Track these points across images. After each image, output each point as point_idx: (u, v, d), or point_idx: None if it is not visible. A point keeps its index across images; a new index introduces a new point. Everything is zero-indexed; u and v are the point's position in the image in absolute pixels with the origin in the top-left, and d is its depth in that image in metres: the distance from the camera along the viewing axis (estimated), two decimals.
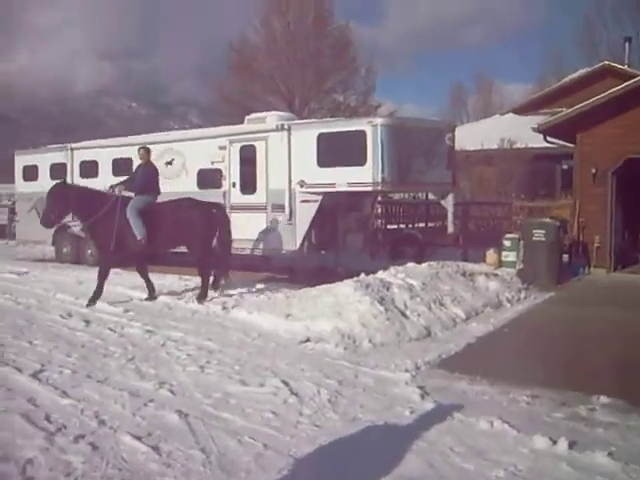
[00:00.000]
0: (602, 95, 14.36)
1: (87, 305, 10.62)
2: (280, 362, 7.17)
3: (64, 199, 11.13)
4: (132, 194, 11.33)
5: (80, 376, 6.61)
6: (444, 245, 16.18)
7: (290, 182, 13.14)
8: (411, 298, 9.23)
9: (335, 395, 5.95)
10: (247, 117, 15.50)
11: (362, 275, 10.06)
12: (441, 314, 9.17)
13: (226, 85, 29.54)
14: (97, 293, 10.80)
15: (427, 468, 4.40)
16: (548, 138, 16.13)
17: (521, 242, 13.12)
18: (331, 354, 7.57)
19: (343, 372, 6.76)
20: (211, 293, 11.34)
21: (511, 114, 31.25)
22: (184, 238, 11.41)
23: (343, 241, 13.63)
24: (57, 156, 18.10)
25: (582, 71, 31.00)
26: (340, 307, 8.78)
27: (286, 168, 13.16)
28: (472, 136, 24.54)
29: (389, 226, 19.64)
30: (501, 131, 25.52)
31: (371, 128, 11.95)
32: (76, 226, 14.55)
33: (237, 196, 14.25)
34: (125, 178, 12.29)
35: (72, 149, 17.75)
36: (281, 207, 13.31)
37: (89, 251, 16.40)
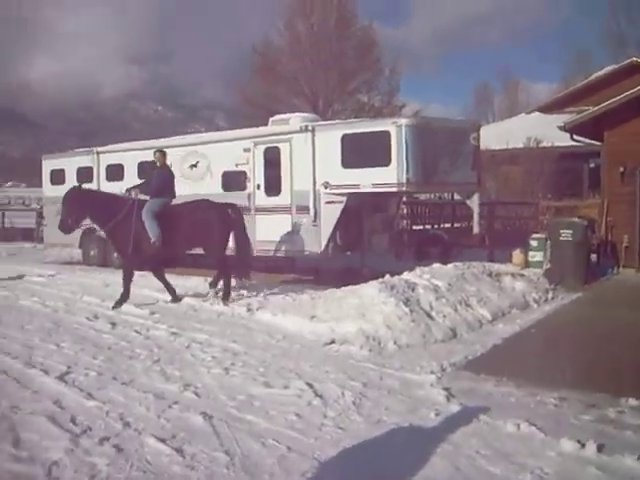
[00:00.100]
0: (630, 92, 14.17)
1: (113, 307, 10.70)
2: (304, 364, 7.15)
3: (80, 203, 11.20)
4: (148, 197, 11.40)
5: (106, 378, 6.65)
6: (470, 245, 16.07)
7: (314, 183, 13.12)
8: (437, 299, 9.17)
9: (360, 397, 5.91)
10: (271, 119, 15.52)
11: (387, 276, 10.02)
12: (467, 315, 9.09)
13: (250, 88, 29.61)
14: (123, 296, 10.88)
15: (453, 471, 4.35)
16: (575, 136, 15.95)
17: (548, 242, 12.98)
18: (356, 356, 7.53)
19: (368, 374, 6.72)
20: (236, 294, 11.38)
21: (537, 113, 30.98)
22: (200, 240, 11.46)
23: (368, 242, 13.59)
24: (83, 160, 18.27)
25: (609, 68, 30.65)
26: (365, 308, 8.74)
27: (310, 169, 13.15)
28: (498, 135, 24.37)
29: (415, 227, 19.58)
30: (527, 130, 25.32)
31: (395, 128, 11.90)
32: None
33: (262, 198, 14.27)
34: (141, 181, 12.39)
35: (98, 153, 17.90)
36: (306, 208, 13.30)
37: (115, 254, 16.52)
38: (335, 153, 12.73)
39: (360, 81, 28.72)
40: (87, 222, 12.02)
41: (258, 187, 14.30)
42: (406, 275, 10.13)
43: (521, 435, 4.98)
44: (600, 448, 4.65)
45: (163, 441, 4.87)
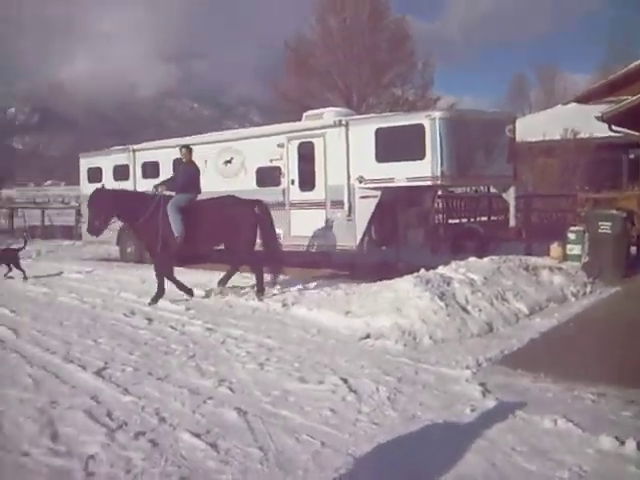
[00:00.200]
0: None
1: (149, 303, 10.80)
2: (339, 359, 7.14)
3: (106, 204, 11.28)
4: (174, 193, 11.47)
5: (142, 373, 6.71)
6: (506, 239, 15.89)
7: (349, 178, 13.10)
8: (472, 293, 9.08)
9: (394, 392, 5.88)
10: (305, 114, 15.52)
11: (422, 270, 9.96)
12: (503, 309, 8.99)
13: (284, 83, 29.67)
14: (159, 292, 10.98)
15: (488, 467, 4.30)
16: (613, 127, 15.66)
17: (586, 235, 12.75)
18: (391, 351, 7.49)
19: (403, 369, 6.68)
20: (272, 290, 11.41)
21: (574, 104, 30.48)
22: (226, 236, 11.47)
23: (403, 236, 13.53)
24: (120, 158, 18.48)
25: None
26: (400, 303, 8.69)
27: (344, 164, 13.13)
28: (534, 127, 24.04)
29: (450, 220, 19.43)
30: (564, 121, 24.93)
31: (429, 121, 11.80)
32: None
33: (296, 193, 14.29)
34: (167, 178, 12.47)
35: (134, 150, 18.09)
36: (340, 203, 13.28)
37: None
38: (369, 147, 12.68)
39: (394, 74, 28.58)
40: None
41: (292, 182, 14.32)
42: (441, 269, 10.05)
43: (558, 431, 4.91)
44: None
45: (198, 436, 4.90)
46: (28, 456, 4.62)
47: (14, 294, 12.36)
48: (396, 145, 12.29)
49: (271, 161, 14.70)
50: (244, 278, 12.18)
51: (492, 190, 18.16)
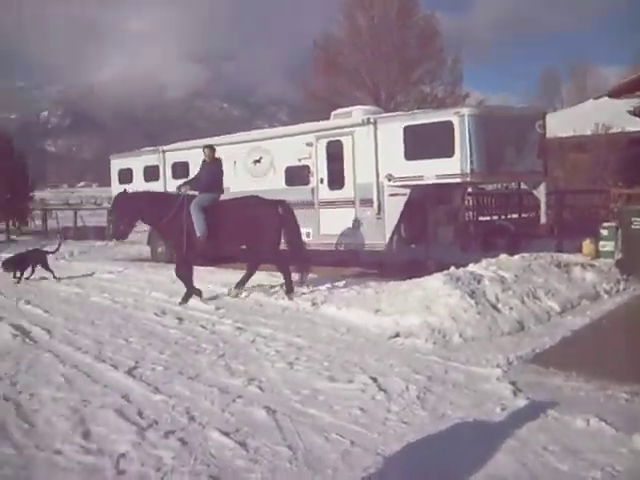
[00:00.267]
0: None
1: (180, 303, 10.87)
2: (369, 358, 7.12)
3: (129, 208, 11.34)
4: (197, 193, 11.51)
5: (172, 372, 6.76)
6: (538, 236, 15.71)
7: (378, 176, 13.07)
8: (503, 291, 8.99)
9: (424, 391, 5.85)
10: (333, 113, 15.51)
11: (452, 268, 9.90)
12: (534, 307, 8.89)
13: (312, 82, 29.67)
14: (188, 291, 11.05)
15: (519, 467, 4.26)
16: None
17: (619, 231, 12.56)
18: (421, 349, 7.45)
19: (433, 368, 6.64)
20: (301, 289, 11.42)
21: (605, 98, 30.01)
22: (249, 236, 11.45)
23: (433, 234, 13.44)
24: (150, 158, 18.63)
25: None
26: (430, 301, 8.65)
27: (373, 162, 13.10)
28: (565, 122, 23.75)
29: (481, 218, 19.28)
30: (595, 116, 24.57)
31: (458, 118, 11.71)
32: None
33: (325, 192, 14.29)
34: (190, 178, 12.52)
35: (164, 151, 18.23)
36: (369, 201, 13.26)
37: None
38: (398, 145, 12.63)
39: (423, 71, 28.40)
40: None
41: (321, 181, 14.32)
42: (471, 267, 9.98)
43: (591, 431, 4.84)
44: None
45: (227, 435, 4.92)
46: (60, 454, 4.68)
47: (48, 294, 12.53)
48: (425, 142, 12.22)
49: (300, 160, 14.71)
50: (273, 277, 12.20)
51: (523, 187, 18.00)
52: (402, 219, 12.88)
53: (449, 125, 11.79)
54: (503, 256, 10.93)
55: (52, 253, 15.07)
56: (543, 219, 13.52)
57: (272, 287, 11.79)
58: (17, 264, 14.26)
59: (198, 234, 10.99)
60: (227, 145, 16.69)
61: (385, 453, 4.54)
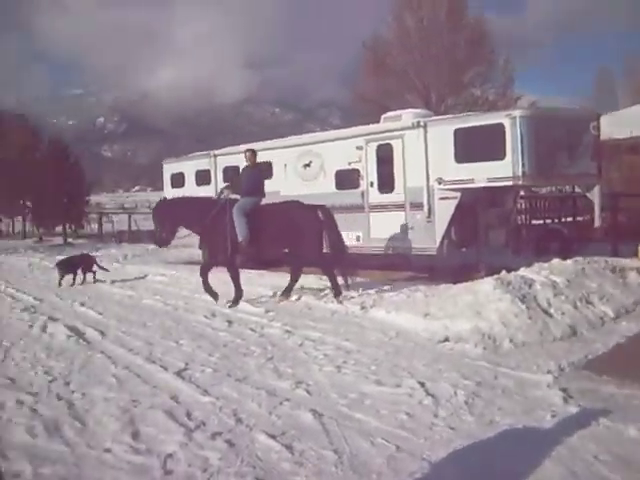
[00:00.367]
0: None
1: (230, 306, 10.96)
2: (417, 362, 7.06)
3: (170, 214, 11.48)
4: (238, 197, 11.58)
5: (221, 375, 6.82)
6: (592, 240, 15.40)
7: (428, 179, 12.98)
8: (555, 296, 8.82)
9: (472, 397, 5.77)
10: (383, 116, 15.48)
11: (503, 272, 9.76)
12: (587, 312, 8.70)
13: (361, 84, 29.60)
14: (237, 294, 11.13)
15: (568, 476, 4.16)
16: None
17: None
18: (470, 354, 7.36)
19: (482, 373, 6.55)
20: (351, 293, 11.41)
21: None
22: (290, 241, 11.51)
23: (484, 238, 13.29)
24: (201, 163, 18.85)
25: None
26: (480, 306, 8.54)
27: (423, 165, 13.02)
28: (621, 124, 23.18)
29: (533, 221, 18.98)
30: None
31: (509, 120, 11.56)
32: None
33: (375, 195, 14.26)
34: (232, 181, 12.59)
35: (215, 155, 18.43)
36: (420, 205, 13.18)
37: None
38: (448, 148, 12.53)
39: (473, 74, 28.03)
40: None
41: (371, 184, 14.30)
42: (523, 271, 9.81)
43: None
44: None
45: (273, 437, 4.94)
46: (110, 453, 4.78)
47: (101, 297, 12.78)
48: (476, 145, 12.10)
49: (350, 164, 14.71)
50: (322, 280, 12.21)
51: (576, 189, 17.64)
52: (453, 223, 12.77)
53: (500, 127, 11.64)
54: (556, 260, 10.73)
55: (98, 266, 15.29)
56: (597, 222, 13.23)
57: (321, 290, 11.81)
58: (66, 267, 14.57)
59: (240, 239, 11.06)
60: (277, 149, 16.81)
61: (431, 459, 4.49)
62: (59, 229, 32.87)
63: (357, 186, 14.55)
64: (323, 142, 15.87)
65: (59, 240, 31.25)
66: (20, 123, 37.51)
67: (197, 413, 5.55)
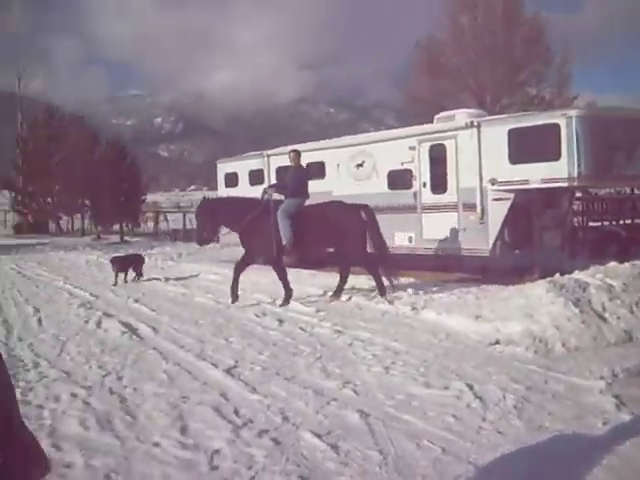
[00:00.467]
0: None
1: (281, 305, 11.03)
2: (466, 364, 6.99)
3: (212, 214, 11.56)
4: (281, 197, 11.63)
5: (269, 373, 6.87)
6: None
7: (481, 180, 12.85)
8: (610, 300, 8.60)
9: (521, 401, 5.68)
10: (436, 116, 15.37)
11: (557, 275, 9.58)
12: None
13: (414, 84, 29.39)
14: (287, 293, 11.18)
15: None
16: None
17: None
18: (520, 358, 7.25)
19: (532, 377, 6.44)
20: (401, 294, 11.37)
21: None
22: (333, 241, 11.58)
23: (539, 240, 13.07)
24: (255, 163, 19.02)
25: None
26: (532, 309, 8.40)
27: (476, 166, 12.89)
28: None
29: (591, 223, 18.59)
30: None
31: (565, 120, 11.35)
32: None
33: (428, 196, 14.17)
34: (276, 182, 12.61)
35: (268, 156, 18.56)
36: (472, 206, 13.05)
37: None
38: (502, 149, 12.38)
39: (529, 73, 27.51)
40: None
41: (424, 185, 14.22)
42: (577, 274, 9.61)
43: None
44: None
45: (319, 437, 4.95)
46: (159, 447, 4.86)
47: (155, 294, 13.02)
48: (530, 146, 11.92)
49: (402, 164, 14.65)
50: (372, 281, 12.18)
51: (636, 191, 17.24)
52: (506, 224, 12.62)
53: (555, 127, 11.44)
54: (612, 263, 10.46)
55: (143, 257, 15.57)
56: None
57: (372, 291, 11.78)
58: (119, 265, 14.85)
59: (284, 242, 11.11)
60: (330, 149, 16.85)
61: (477, 462, 4.44)
62: (116, 227, 33.56)
63: (410, 186, 14.49)
64: (376, 142, 15.84)
65: (116, 238, 31.92)
66: (80, 125, 38.49)
67: (245, 410, 5.60)
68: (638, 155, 12.08)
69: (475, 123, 12.96)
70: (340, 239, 11.39)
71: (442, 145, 13.76)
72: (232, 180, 19.62)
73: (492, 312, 8.87)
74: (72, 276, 16.54)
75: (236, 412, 5.56)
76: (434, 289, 11.79)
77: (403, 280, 13.18)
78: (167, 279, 15.05)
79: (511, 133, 12.23)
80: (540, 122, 12.01)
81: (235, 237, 12.21)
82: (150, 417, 5.52)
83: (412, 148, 14.40)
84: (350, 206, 11.73)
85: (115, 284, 14.42)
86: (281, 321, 9.76)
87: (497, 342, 7.91)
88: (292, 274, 13.28)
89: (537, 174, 11.79)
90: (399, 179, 14.80)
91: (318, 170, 16.63)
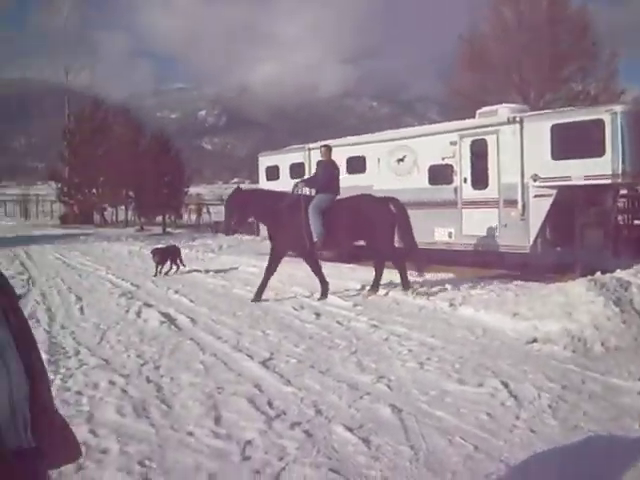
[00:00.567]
0: None
1: (319, 299, 11.05)
2: (502, 362, 6.93)
3: (242, 204, 11.51)
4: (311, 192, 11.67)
5: (304, 366, 6.90)
6: None
7: (523, 176, 12.73)
8: None
9: (557, 400, 5.61)
10: (478, 111, 15.22)
11: (598, 274, 9.43)
12: None
13: (457, 78, 29.07)
14: (323, 287, 11.20)
15: None
16: None
17: None
18: (558, 356, 7.15)
19: (569, 376, 6.36)
20: (439, 289, 11.32)
21: None
22: (363, 234, 11.58)
23: (581, 237, 12.87)
24: (296, 156, 19.07)
25: None
26: (571, 307, 8.28)
27: (518, 162, 12.77)
28: None
29: (636, 221, 18.21)
30: None
31: (610, 116, 11.15)
32: None
33: (468, 192, 14.08)
34: (307, 177, 12.60)
35: (309, 149, 18.59)
36: (513, 202, 12.93)
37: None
38: (544, 144, 12.23)
39: (574, 67, 26.96)
40: None
41: (465, 180, 14.13)
42: (619, 273, 9.45)
43: None
44: None
45: (351, 430, 4.96)
46: (192, 436, 4.92)
47: (195, 285, 13.17)
48: (573, 142, 11.76)
49: (443, 159, 14.57)
50: (411, 276, 12.13)
51: None
52: (547, 221, 12.47)
53: (600, 123, 11.26)
54: None
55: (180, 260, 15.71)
56: None
57: (411, 286, 11.74)
58: (159, 256, 15.01)
59: (315, 238, 11.09)
60: (371, 143, 16.82)
61: (509, 461, 4.40)
62: (159, 219, 33.97)
63: (450, 182, 14.41)
64: (417, 137, 15.78)
65: (158, 230, 32.31)
66: (125, 118, 39.03)
67: (278, 402, 5.65)
68: None
69: (517, 118, 12.83)
70: (370, 232, 11.38)
71: (484, 140, 13.65)
72: (273, 173, 19.72)
73: (530, 310, 8.77)
74: (114, 266, 16.82)
75: (270, 404, 5.61)
76: (473, 285, 11.70)
77: (442, 276, 13.17)
78: (207, 271, 15.20)
79: (554, 129, 12.07)
80: (584, 118, 11.83)
81: None
82: (185, 406, 5.60)
83: (453, 143, 14.32)
84: (379, 199, 11.71)
85: (155, 275, 14.62)
86: (318, 314, 9.80)
87: (535, 340, 7.82)
88: (332, 268, 13.37)
89: (580, 170, 11.62)
90: (440, 174, 14.73)
91: (359, 164, 16.64)
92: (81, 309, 10.57)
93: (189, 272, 15.18)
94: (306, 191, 11.76)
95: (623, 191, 15.88)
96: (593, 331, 7.63)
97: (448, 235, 14.48)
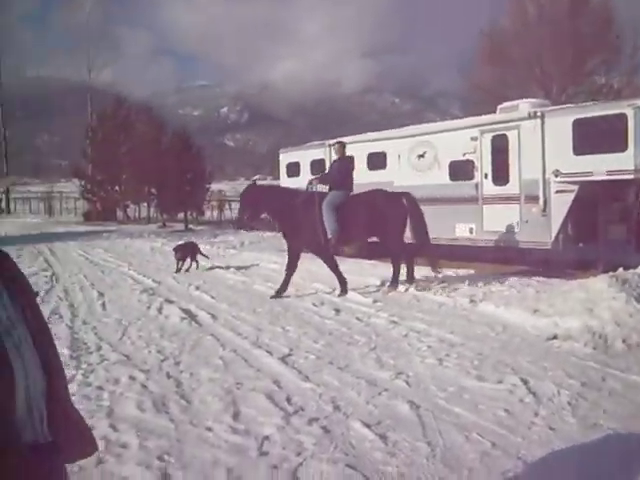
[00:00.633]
0: None
1: (339, 295, 11.06)
2: (522, 359, 6.90)
3: (255, 200, 11.48)
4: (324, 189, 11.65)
5: (323, 362, 6.91)
6: None
7: (544, 172, 12.66)
8: None
9: (576, 397, 5.58)
10: (499, 106, 15.13)
11: (620, 270, 9.35)
12: None
13: (477, 72, 28.89)
14: (342, 283, 11.19)
15: None
16: None
17: None
18: (578, 353, 7.10)
19: (589, 373, 6.32)
20: (460, 285, 11.28)
21: None
22: (375, 229, 11.55)
23: (603, 233, 12.76)
24: (317, 153, 19.06)
25: None
26: (592, 303, 8.21)
27: (540, 157, 12.69)
28: None
29: None
30: None
31: (632, 111, 11.04)
32: None
33: (489, 187, 14.02)
34: (322, 173, 12.59)
35: (330, 146, 18.57)
36: (535, 198, 12.86)
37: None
38: (566, 139, 12.13)
39: (597, 61, 26.65)
40: None
41: (485, 176, 14.07)
42: None
43: None
44: None
45: (368, 426, 4.97)
46: (211, 431, 4.96)
47: (216, 282, 13.23)
48: (595, 137, 11.66)
49: (464, 155, 14.51)
50: (431, 273, 12.11)
51: None
52: (569, 217, 12.39)
53: (622, 118, 11.15)
54: None
55: (201, 253, 15.76)
56: None
57: (430, 282, 11.72)
58: (180, 253, 15.07)
59: (329, 235, 11.09)
60: (391, 139, 16.79)
61: (527, 458, 4.39)
62: (181, 215, 34.13)
63: (471, 177, 14.36)
64: (437, 133, 15.72)
65: (180, 226, 32.47)
66: (147, 115, 39.24)
67: (297, 398, 5.67)
68: None
69: (539, 113, 12.74)
70: (382, 228, 11.38)
71: (505, 136, 13.58)
72: (294, 170, 19.74)
73: (551, 306, 8.71)
74: (136, 263, 16.94)
75: (288, 400, 5.63)
76: (493, 281, 11.64)
77: (462, 272, 13.11)
78: (228, 267, 15.27)
79: (576, 124, 11.98)
80: (606, 112, 11.72)
81: None
82: (204, 402, 5.64)
83: (474, 139, 14.25)
84: (392, 194, 11.72)
85: (177, 271, 14.71)
86: (338, 311, 9.81)
87: (555, 337, 7.77)
88: (353, 265, 13.38)
89: (602, 166, 11.52)
90: (460, 170, 14.68)
91: (379, 160, 16.63)
92: (103, 305, 10.67)
93: (210, 268, 15.25)
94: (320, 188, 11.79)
95: None
96: (614, 328, 7.57)
97: (469, 231, 14.43)
